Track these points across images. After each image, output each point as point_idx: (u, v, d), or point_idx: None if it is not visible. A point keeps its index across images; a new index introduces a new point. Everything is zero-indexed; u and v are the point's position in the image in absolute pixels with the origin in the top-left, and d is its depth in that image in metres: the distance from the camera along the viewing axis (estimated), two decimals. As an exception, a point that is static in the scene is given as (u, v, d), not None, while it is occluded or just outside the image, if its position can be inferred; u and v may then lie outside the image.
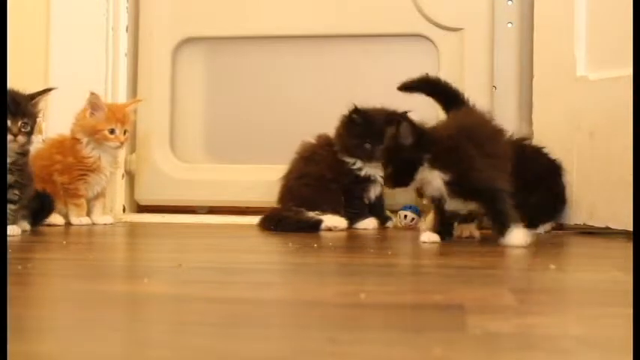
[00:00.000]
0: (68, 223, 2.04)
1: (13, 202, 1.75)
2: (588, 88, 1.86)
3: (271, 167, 2.16)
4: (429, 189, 1.54)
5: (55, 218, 2.01)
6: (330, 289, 1.03)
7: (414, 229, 1.97)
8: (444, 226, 1.58)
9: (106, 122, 2.05)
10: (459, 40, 2.21)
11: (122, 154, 2.34)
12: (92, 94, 2.07)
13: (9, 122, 1.74)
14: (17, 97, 1.79)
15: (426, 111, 2.24)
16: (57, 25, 2.30)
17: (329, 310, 0.88)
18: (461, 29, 2.21)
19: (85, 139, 2.07)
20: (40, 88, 2.24)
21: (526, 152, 1.89)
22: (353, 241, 1.67)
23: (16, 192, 1.77)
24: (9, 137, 1.74)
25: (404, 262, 1.39)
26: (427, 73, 1.81)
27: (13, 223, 1.74)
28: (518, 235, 1.46)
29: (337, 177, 1.98)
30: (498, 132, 1.66)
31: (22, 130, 1.76)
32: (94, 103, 2.06)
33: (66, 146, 2.09)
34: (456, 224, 1.64)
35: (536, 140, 2.04)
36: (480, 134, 1.58)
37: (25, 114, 1.77)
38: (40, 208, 1.89)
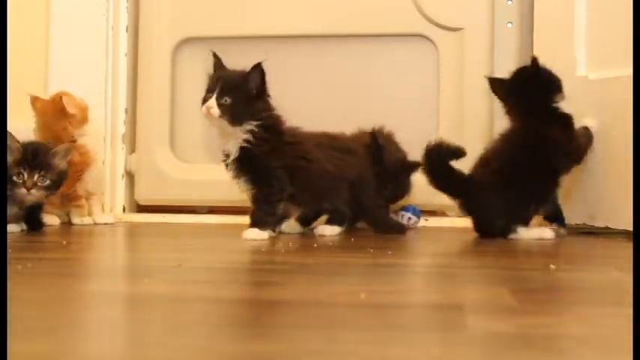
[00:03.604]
0: (65, 223, 2.05)
1: None
2: (588, 88, 1.86)
3: (271, 167, 2.16)
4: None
5: (51, 219, 2.01)
6: (330, 289, 1.03)
7: (413, 229, 1.97)
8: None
9: None
10: (459, 40, 2.21)
11: (122, 154, 2.35)
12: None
13: (24, 175, 1.73)
14: (34, 148, 1.77)
15: (426, 115, 2.26)
16: (57, 24, 2.30)
17: (329, 310, 0.88)
18: (461, 29, 2.21)
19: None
20: (40, 88, 2.25)
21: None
22: (353, 241, 1.67)
23: None
24: (22, 190, 1.74)
25: (404, 262, 1.39)
26: None
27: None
28: (248, 232, 1.67)
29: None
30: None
31: (39, 183, 1.75)
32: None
33: None
34: None
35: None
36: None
37: (41, 166, 1.75)
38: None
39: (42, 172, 1.75)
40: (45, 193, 1.78)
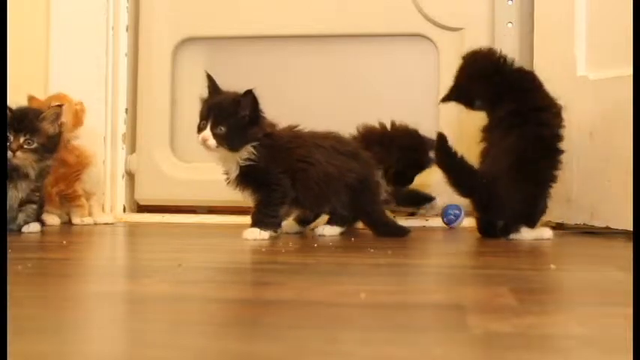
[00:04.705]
0: (65, 223, 2.05)
1: (34, 202, 1.82)
2: (588, 88, 1.86)
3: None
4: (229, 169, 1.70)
5: (51, 219, 2.01)
6: (330, 289, 1.03)
7: (455, 229, 1.98)
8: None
9: None
10: (459, 40, 2.21)
11: (122, 154, 2.35)
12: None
13: (11, 137, 1.73)
14: (22, 112, 1.76)
15: (426, 115, 2.26)
16: (57, 24, 2.30)
17: (329, 310, 0.88)
18: (461, 29, 2.21)
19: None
20: (41, 88, 2.24)
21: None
22: (353, 241, 1.67)
23: (37, 194, 1.83)
24: (8, 154, 1.73)
25: (404, 262, 1.39)
26: None
27: (36, 220, 1.83)
28: (249, 232, 1.67)
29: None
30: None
31: (25, 146, 1.74)
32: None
33: None
34: None
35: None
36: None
37: (27, 129, 1.74)
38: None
39: (28, 135, 1.74)
40: (34, 157, 1.76)
